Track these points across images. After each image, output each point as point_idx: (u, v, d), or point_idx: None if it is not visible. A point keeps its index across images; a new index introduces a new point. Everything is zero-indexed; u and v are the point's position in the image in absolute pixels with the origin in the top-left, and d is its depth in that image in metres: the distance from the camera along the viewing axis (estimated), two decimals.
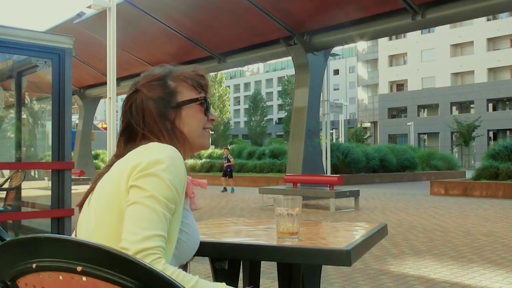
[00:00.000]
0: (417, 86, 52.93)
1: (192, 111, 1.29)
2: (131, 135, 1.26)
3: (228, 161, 16.61)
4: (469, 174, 19.92)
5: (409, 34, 48.86)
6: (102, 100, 23.01)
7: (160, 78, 1.28)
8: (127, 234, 1.04)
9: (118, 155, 1.23)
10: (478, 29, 47.31)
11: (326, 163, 14.98)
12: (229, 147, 20.57)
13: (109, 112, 9.30)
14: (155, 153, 1.13)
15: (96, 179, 1.25)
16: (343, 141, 35.23)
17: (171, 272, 1.01)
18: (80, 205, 1.25)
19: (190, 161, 25.97)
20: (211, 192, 15.41)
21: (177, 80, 1.29)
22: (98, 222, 1.13)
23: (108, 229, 1.11)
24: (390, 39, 52.90)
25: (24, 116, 5.71)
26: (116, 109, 10.10)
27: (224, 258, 1.85)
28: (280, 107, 71.26)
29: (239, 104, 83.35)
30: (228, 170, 16.43)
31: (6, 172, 6.06)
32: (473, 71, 49.27)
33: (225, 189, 16.22)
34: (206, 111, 1.32)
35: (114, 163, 1.21)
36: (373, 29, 11.70)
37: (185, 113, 1.28)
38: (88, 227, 1.16)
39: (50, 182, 4.29)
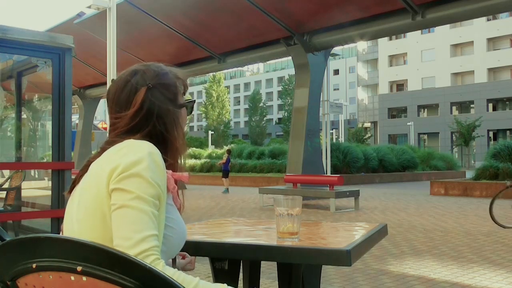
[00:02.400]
0: (417, 86, 52.91)
1: (184, 112, 1.34)
2: (129, 132, 1.22)
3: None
4: (469, 174, 19.92)
5: (409, 34, 48.83)
6: (102, 100, 23.00)
7: (171, 78, 1.30)
8: (120, 240, 1.03)
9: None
10: (478, 29, 47.30)
11: (326, 163, 14.99)
12: (230, 148, 20.17)
13: None
14: (132, 153, 1.11)
15: (81, 170, 1.23)
16: (343, 141, 35.23)
17: (171, 273, 1.01)
18: (69, 193, 1.24)
19: (191, 161, 25.94)
20: (211, 192, 15.41)
21: (178, 81, 1.32)
22: (80, 226, 1.12)
23: (91, 233, 1.10)
24: (390, 39, 52.87)
25: (24, 116, 5.71)
26: None
27: (224, 258, 1.85)
28: (280, 107, 71.26)
29: (239, 104, 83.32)
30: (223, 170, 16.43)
31: (6, 172, 6.05)
32: (473, 71, 49.24)
33: (227, 190, 16.14)
34: (190, 113, 1.38)
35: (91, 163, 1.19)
36: (373, 29, 11.70)
37: (182, 114, 1.32)
38: (71, 230, 1.14)
39: (50, 182, 4.29)
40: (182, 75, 1.35)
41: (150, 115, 1.23)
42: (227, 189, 16.16)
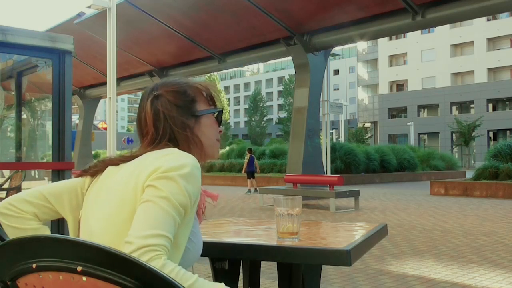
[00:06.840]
0: (417, 86, 52.91)
1: (209, 121, 1.36)
2: (152, 141, 1.28)
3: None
4: (469, 174, 19.92)
5: (409, 34, 48.83)
6: (102, 100, 23.03)
7: (181, 87, 1.34)
8: (134, 230, 1.05)
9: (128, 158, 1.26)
10: (478, 29, 47.29)
11: (326, 163, 14.98)
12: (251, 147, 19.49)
13: (109, 112, 9.30)
14: (176, 159, 1.15)
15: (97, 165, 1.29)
16: (343, 141, 35.22)
17: (171, 268, 1.00)
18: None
19: None
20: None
21: (195, 90, 1.35)
22: (105, 224, 1.15)
23: (114, 229, 1.13)
24: (390, 39, 52.86)
25: (24, 116, 5.71)
26: (116, 109, 10.10)
27: (224, 258, 1.85)
28: (280, 107, 71.25)
29: (239, 104, 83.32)
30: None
31: (6, 172, 6.06)
32: (473, 71, 49.24)
33: (249, 191, 15.94)
34: (220, 122, 1.40)
35: (122, 162, 1.25)
36: (373, 29, 11.70)
37: (204, 123, 1.34)
38: (93, 227, 1.18)
39: (50, 182, 4.28)
40: (204, 86, 1.38)
41: (162, 123, 1.28)
42: (250, 190, 15.83)
